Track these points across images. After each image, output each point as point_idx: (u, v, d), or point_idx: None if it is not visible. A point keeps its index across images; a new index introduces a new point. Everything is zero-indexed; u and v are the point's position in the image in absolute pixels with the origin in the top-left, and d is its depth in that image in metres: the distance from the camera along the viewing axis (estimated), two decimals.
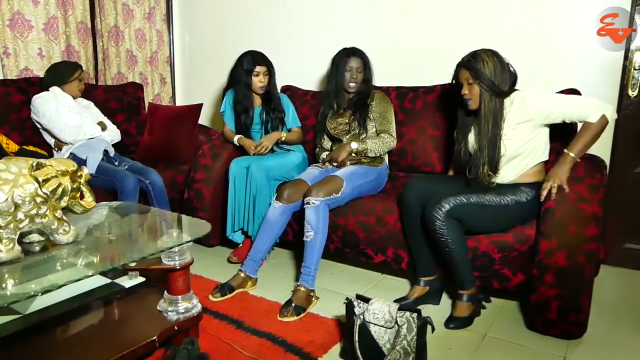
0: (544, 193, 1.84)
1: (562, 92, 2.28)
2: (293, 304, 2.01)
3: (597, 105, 1.82)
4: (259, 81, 2.61)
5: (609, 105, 1.83)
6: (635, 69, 2.37)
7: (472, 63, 1.90)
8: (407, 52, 2.94)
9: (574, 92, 2.27)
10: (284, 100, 2.74)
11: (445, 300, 2.13)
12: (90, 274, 1.35)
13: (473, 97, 1.93)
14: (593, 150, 2.17)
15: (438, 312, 2.00)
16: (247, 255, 2.28)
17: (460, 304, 1.94)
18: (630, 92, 2.40)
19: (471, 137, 2.04)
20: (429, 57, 2.86)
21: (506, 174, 1.96)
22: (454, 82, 2.02)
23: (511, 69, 1.93)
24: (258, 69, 2.60)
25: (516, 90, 1.94)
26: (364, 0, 3.04)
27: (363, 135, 2.45)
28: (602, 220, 1.76)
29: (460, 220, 1.88)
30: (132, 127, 3.26)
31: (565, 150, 1.87)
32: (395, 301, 2.01)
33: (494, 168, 1.94)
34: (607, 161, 2.40)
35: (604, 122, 1.82)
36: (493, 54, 1.91)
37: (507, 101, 1.92)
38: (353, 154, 2.40)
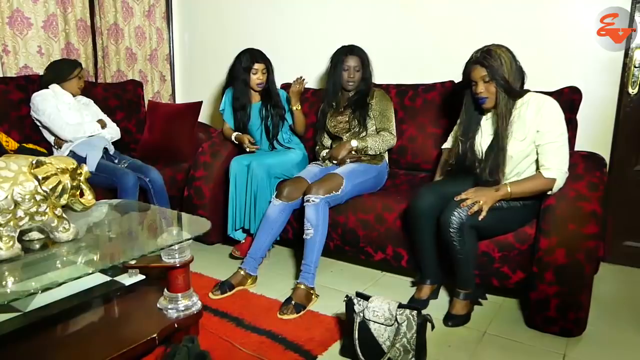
0: (468, 202, 1.82)
1: (562, 89, 2.29)
2: (293, 302, 2.01)
3: (560, 169, 1.80)
4: (257, 78, 2.62)
5: (565, 177, 1.81)
6: (635, 67, 2.37)
7: (488, 60, 1.81)
8: (407, 49, 2.93)
9: (574, 90, 2.28)
10: (283, 96, 2.74)
11: (444, 297, 2.13)
12: (90, 271, 1.35)
13: (490, 96, 1.86)
14: (593, 147, 2.18)
15: (437, 309, 2.00)
16: (247, 253, 2.28)
17: (459, 301, 1.94)
18: (630, 90, 2.39)
19: (478, 138, 1.98)
20: (429, 54, 2.85)
21: (514, 177, 1.94)
22: (463, 79, 1.95)
23: (520, 65, 1.89)
24: (256, 66, 2.60)
25: (528, 91, 1.90)
26: None
27: (363, 134, 2.45)
28: (602, 218, 1.76)
29: (476, 228, 1.86)
30: (131, 125, 3.26)
31: (507, 184, 1.86)
32: (409, 302, 2.01)
33: (503, 170, 1.91)
34: (607, 159, 2.40)
35: (549, 184, 1.81)
36: (507, 49, 1.85)
37: (518, 101, 1.88)
38: (353, 152, 2.40)
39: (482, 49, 1.86)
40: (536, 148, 1.86)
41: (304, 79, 2.60)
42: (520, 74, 1.88)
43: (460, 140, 2.03)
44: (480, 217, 1.81)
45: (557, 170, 1.80)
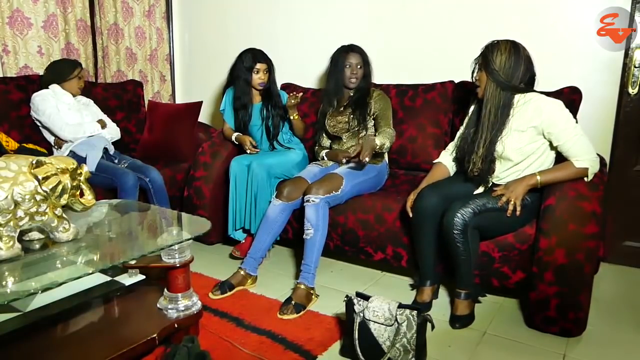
0: (504, 200, 1.86)
1: (562, 89, 2.29)
2: (293, 302, 2.01)
3: (590, 157, 1.82)
4: (259, 78, 2.63)
5: (597, 161, 1.83)
6: (635, 67, 2.37)
7: (487, 50, 1.90)
8: (407, 49, 2.93)
9: (574, 90, 2.28)
10: (283, 97, 2.75)
11: (443, 296, 2.13)
12: (90, 271, 1.35)
13: (481, 84, 1.93)
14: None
15: (438, 309, 2.00)
16: (247, 253, 2.28)
17: (460, 302, 1.94)
18: (630, 90, 2.39)
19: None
20: (429, 54, 2.85)
21: (512, 176, 1.95)
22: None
23: (530, 67, 1.90)
24: (259, 66, 2.61)
25: (534, 91, 1.91)
26: None
27: (362, 133, 2.45)
28: (602, 217, 1.76)
29: (479, 228, 1.87)
30: (131, 125, 3.26)
31: (536, 173, 1.87)
32: (413, 303, 2.00)
33: (489, 164, 1.93)
34: (607, 159, 2.40)
35: (582, 172, 1.82)
36: (513, 46, 1.88)
37: (519, 100, 1.89)
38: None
39: (494, 40, 1.92)
40: (555, 147, 1.89)
41: (298, 94, 2.58)
42: (525, 74, 1.89)
43: (465, 124, 2.07)
44: (517, 213, 1.84)
45: (587, 160, 1.82)
